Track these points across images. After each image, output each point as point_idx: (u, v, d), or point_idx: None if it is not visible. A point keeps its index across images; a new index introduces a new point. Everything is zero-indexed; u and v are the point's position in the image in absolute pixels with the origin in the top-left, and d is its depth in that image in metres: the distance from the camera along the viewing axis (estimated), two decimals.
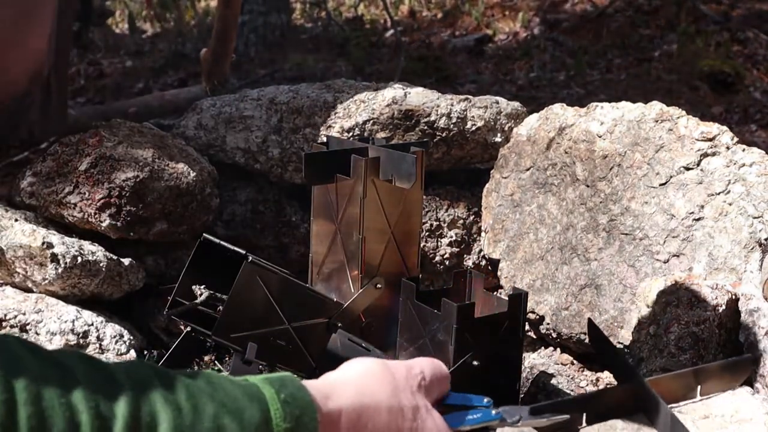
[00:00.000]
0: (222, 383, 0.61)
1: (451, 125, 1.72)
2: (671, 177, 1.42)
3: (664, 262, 1.40)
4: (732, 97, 4.60)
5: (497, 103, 1.76)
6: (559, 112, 1.63)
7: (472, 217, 1.80)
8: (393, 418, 0.72)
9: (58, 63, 1.78)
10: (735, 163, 1.38)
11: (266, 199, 1.82)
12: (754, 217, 1.33)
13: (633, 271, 1.44)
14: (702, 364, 1.17)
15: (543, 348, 1.63)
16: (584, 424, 0.99)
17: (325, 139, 1.44)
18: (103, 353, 1.43)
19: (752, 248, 1.32)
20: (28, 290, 1.56)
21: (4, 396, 0.50)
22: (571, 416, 0.88)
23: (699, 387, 1.10)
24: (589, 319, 1.08)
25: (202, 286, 1.20)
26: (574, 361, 1.56)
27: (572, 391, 1.47)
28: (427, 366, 0.80)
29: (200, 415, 0.58)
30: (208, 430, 0.58)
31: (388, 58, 5.23)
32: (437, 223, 1.78)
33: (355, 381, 0.72)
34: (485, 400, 0.83)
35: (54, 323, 1.48)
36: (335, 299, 1.28)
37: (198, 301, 1.19)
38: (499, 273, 1.69)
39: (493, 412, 0.81)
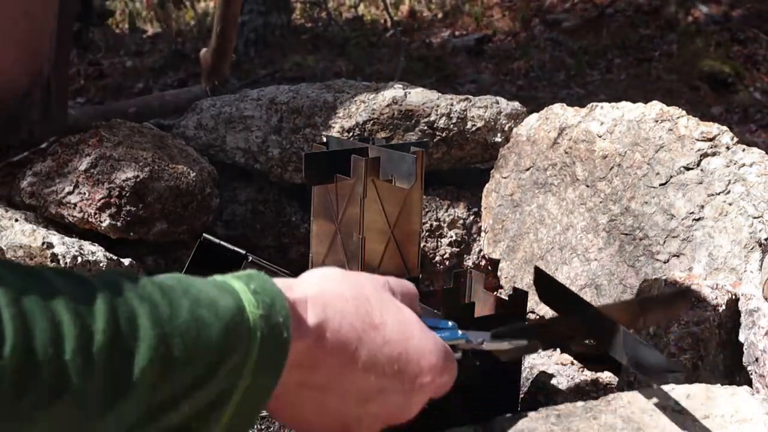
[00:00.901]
0: (192, 281, 0.63)
1: (451, 125, 1.72)
2: (671, 177, 1.42)
3: (664, 262, 1.40)
4: (732, 97, 4.60)
5: (497, 103, 1.76)
6: (559, 112, 1.63)
7: (472, 217, 1.80)
8: (360, 304, 0.73)
9: (58, 63, 1.78)
10: (735, 163, 1.38)
11: (266, 199, 1.82)
12: (754, 217, 1.33)
13: (633, 271, 1.44)
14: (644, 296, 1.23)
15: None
16: (540, 351, 0.98)
17: (325, 139, 1.44)
18: None
19: (752, 248, 1.32)
20: None
21: None
22: (530, 342, 0.89)
23: (642, 318, 1.13)
24: (536, 267, 1.06)
25: None
26: (574, 361, 1.56)
27: (572, 391, 1.47)
28: (392, 278, 0.80)
29: (177, 309, 0.60)
30: (186, 322, 0.59)
31: (388, 58, 5.23)
32: (437, 223, 1.78)
33: (315, 277, 0.74)
34: (450, 323, 0.84)
35: None
36: None
37: None
38: (499, 273, 1.69)
39: (459, 332, 0.82)
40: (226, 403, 0.63)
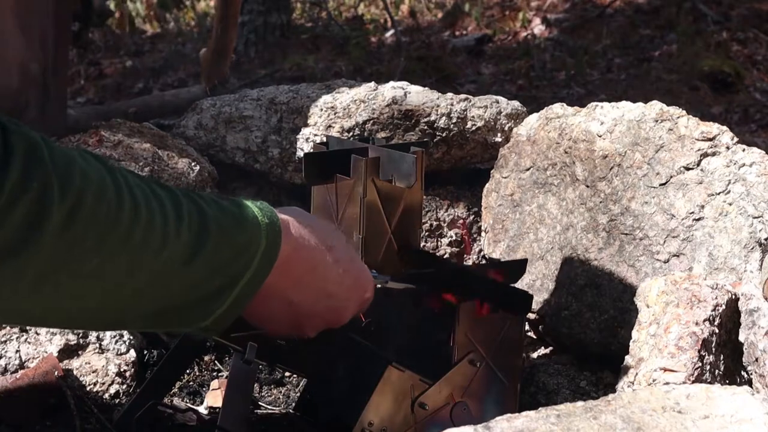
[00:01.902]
0: (218, 206, 0.89)
1: (451, 125, 1.72)
2: (671, 177, 1.42)
3: (664, 262, 1.40)
4: (732, 97, 4.60)
5: (497, 103, 1.76)
6: (559, 112, 1.63)
7: (472, 217, 1.80)
8: (319, 231, 0.99)
9: (57, 63, 1.78)
10: (735, 163, 1.38)
11: (266, 199, 1.82)
12: (754, 217, 1.33)
13: (633, 271, 1.44)
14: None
15: (543, 348, 1.63)
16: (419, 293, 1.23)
17: (325, 139, 1.44)
18: (102, 353, 1.44)
19: (752, 248, 1.32)
20: None
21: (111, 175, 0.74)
22: (417, 288, 1.19)
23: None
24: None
25: None
26: (574, 361, 1.56)
27: (572, 391, 1.47)
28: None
29: (220, 208, 0.88)
30: (224, 214, 0.87)
31: (388, 58, 5.23)
32: (437, 223, 1.78)
33: (287, 211, 1.00)
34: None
35: None
36: None
37: None
38: None
39: (373, 271, 1.10)
40: (236, 285, 0.85)
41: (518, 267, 1.31)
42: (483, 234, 1.76)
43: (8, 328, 1.46)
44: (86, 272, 0.71)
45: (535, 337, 1.65)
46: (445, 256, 1.77)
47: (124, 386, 1.40)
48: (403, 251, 1.30)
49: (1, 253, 0.65)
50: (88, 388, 1.37)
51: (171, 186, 0.83)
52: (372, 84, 1.80)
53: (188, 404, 1.40)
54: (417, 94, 1.74)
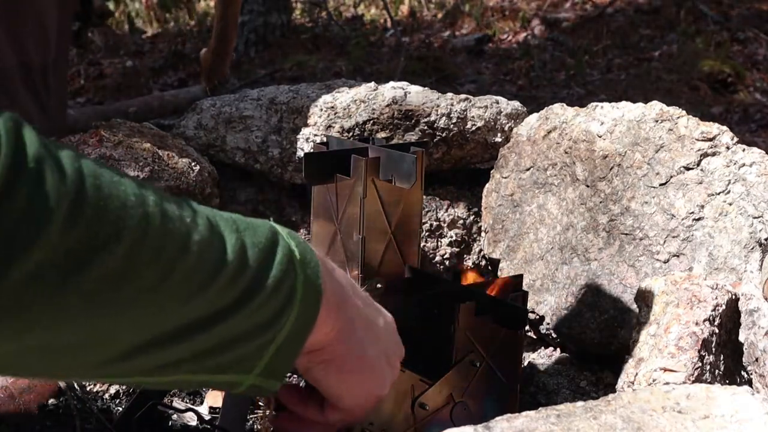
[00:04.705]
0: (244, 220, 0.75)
1: (451, 125, 1.72)
2: (671, 177, 1.42)
3: (664, 262, 1.40)
4: (732, 97, 4.60)
5: (497, 103, 1.76)
6: (559, 112, 1.63)
7: (472, 217, 1.80)
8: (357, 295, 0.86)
9: (57, 63, 1.78)
10: (735, 163, 1.38)
11: (266, 199, 1.82)
12: (754, 217, 1.33)
13: (633, 271, 1.44)
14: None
15: (543, 348, 1.63)
16: None
17: (325, 139, 1.44)
18: None
19: (752, 248, 1.32)
20: None
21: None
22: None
23: None
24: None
25: None
26: (574, 361, 1.56)
27: (572, 391, 1.47)
28: None
29: (252, 228, 0.74)
30: (259, 242, 0.72)
31: (388, 58, 5.23)
32: (437, 223, 1.78)
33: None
34: None
35: None
36: None
37: None
38: (499, 273, 1.69)
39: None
40: (281, 325, 0.70)
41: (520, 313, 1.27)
42: (483, 234, 1.76)
43: None
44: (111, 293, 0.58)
45: (535, 337, 1.65)
46: (445, 257, 1.77)
47: (124, 386, 1.39)
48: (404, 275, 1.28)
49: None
50: (88, 388, 1.37)
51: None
52: (372, 84, 1.80)
53: (188, 404, 1.40)
54: (417, 94, 1.74)
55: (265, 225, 0.74)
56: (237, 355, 0.68)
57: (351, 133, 1.70)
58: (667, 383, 1.11)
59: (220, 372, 0.68)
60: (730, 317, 1.25)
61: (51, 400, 1.32)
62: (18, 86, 1.66)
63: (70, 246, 0.53)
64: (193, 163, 1.71)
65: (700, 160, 1.41)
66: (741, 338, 1.23)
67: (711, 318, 1.22)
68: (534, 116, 1.70)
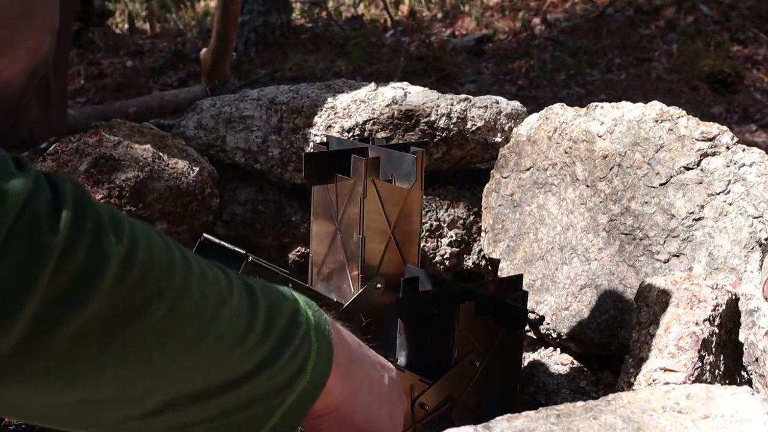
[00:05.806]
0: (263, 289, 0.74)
1: (451, 125, 1.72)
2: (671, 177, 1.42)
3: (664, 262, 1.40)
4: (732, 97, 4.60)
5: (497, 103, 1.76)
6: (559, 112, 1.63)
7: (472, 217, 1.80)
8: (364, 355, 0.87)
9: (58, 63, 1.78)
10: (735, 163, 1.38)
11: (266, 199, 1.82)
12: (754, 217, 1.33)
13: (633, 271, 1.44)
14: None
15: (543, 348, 1.63)
16: None
17: (325, 139, 1.44)
18: None
19: (752, 248, 1.32)
20: None
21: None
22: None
23: None
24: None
25: None
26: (574, 361, 1.56)
27: (572, 391, 1.47)
28: None
29: (272, 300, 0.72)
30: (278, 311, 0.72)
31: (388, 58, 5.23)
32: (437, 223, 1.78)
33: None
34: None
35: None
36: (335, 299, 1.28)
37: None
38: (499, 273, 1.69)
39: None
40: (291, 390, 0.72)
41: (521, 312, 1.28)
42: (483, 234, 1.76)
43: None
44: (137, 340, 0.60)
45: (535, 337, 1.65)
46: (445, 257, 1.77)
47: None
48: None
49: (61, 306, 0.54)
50: None
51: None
52: (372, 84, 1.80)
53: None
54: (417, 94, 1.74)
55: (286, 291, 0.77)
56: (249, 416, 0.71)
57: (351, 133, 1.70)
58: (667, 383, 1.12)
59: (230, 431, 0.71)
60: (730, 317, 1.25)
61: None
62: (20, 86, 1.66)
63: (118, 303, 0.57)
64: (193, 163, 1.71)
65: (700, 160, 1.41)
66: (741, 338, 1.23)
67: (711, 318, 1.22)
68: (534, 116, 1.70)
